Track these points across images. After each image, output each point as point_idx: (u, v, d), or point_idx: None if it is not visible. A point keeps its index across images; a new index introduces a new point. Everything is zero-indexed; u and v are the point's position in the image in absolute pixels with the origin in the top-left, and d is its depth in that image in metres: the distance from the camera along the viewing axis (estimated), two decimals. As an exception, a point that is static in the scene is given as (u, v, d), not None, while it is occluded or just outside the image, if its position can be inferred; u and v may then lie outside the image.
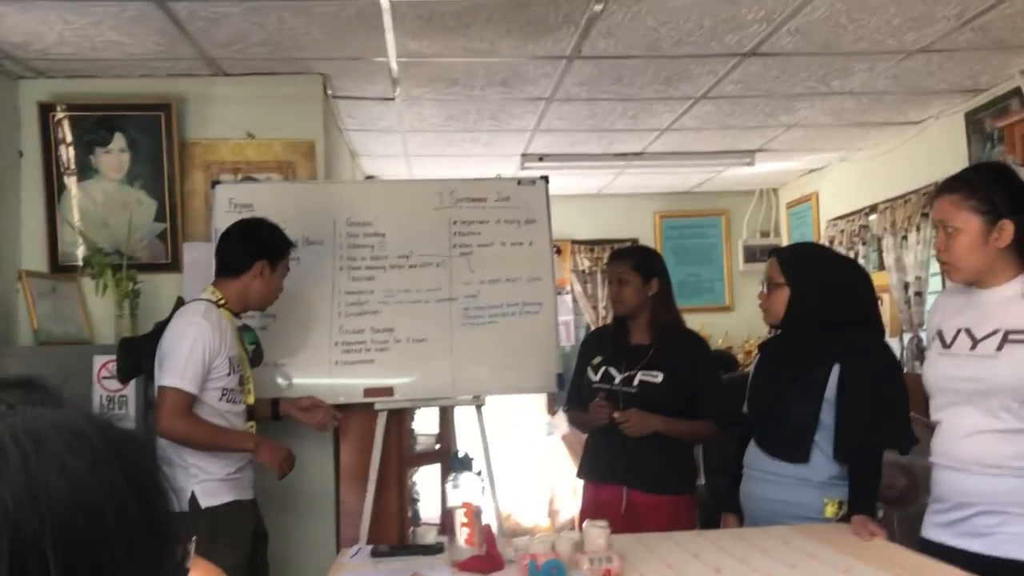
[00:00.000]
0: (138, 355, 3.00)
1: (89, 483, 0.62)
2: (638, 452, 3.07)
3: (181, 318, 2.87)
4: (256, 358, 3.11)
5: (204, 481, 2.79)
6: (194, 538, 0.71)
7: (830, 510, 2.51)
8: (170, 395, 2.75)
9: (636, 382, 3.13)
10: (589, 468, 3.28)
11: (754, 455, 2.71)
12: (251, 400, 3.02)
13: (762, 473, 2.66)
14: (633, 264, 3.25)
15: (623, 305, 3.26)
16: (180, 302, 3.20)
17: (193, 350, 2.76)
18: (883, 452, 2.58)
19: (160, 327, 2.96)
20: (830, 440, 2.55)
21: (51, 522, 0.59)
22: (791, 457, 2.59)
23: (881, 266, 5.66)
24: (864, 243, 5.91)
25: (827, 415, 2.54)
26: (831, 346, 2.58)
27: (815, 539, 2.34)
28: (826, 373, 2.55)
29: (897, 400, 2.53)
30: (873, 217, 5.77)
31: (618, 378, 3.17)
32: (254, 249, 2.96)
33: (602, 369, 3.23)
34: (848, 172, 6.19)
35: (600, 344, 3.37)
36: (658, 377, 3.12)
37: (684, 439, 3.15)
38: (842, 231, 6.11)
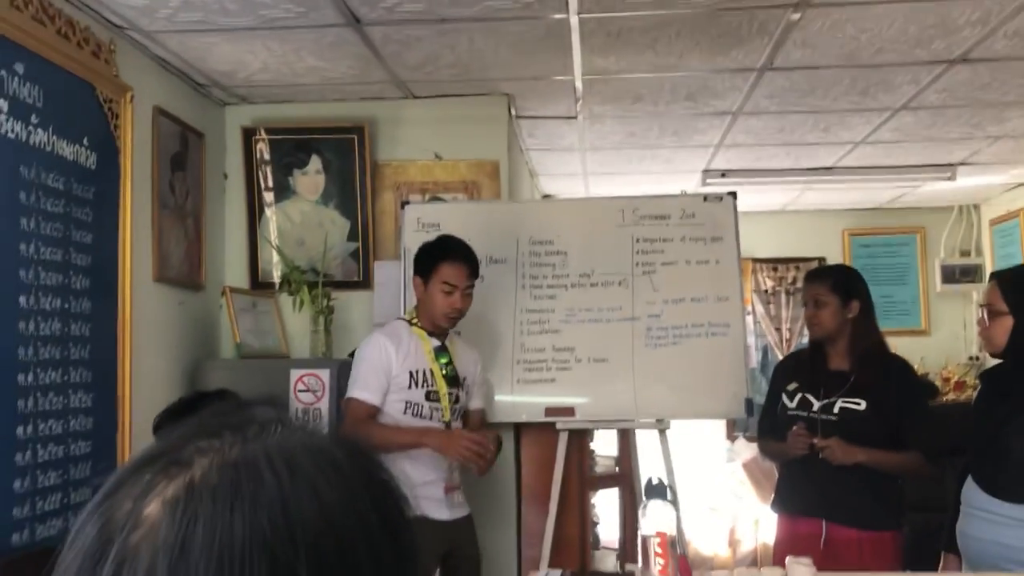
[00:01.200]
0: None
1: (341, 512, 0.60)
2: (839, 483, 2.89)
3: (373, 333, 3.10)
4: (450, 377, 3.10)
5: None
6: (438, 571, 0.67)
7: None
8: (351, 405, 2.93)
9: (837, 410, 2.95)
10: (784, 500, 3.12)
11: (972, 492, 2.50)
12: (447, 417, 3.05)
13: (980, 512, 2.45)
14: (832, 285, 3.06)
15: (820, 328, 3.08)
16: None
17: (368, 362, 2.94)
18: None
19: None
20: None
21: (305, 552, 0.57)
22: (1011, 496, 2.37)
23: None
24: (1082, 263, 5.41)
25: None
26: None
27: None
28: None
29: None
30: (1093, 234, 5.28)
31: (816, 405, 3.00)
32: (413, 266, 3.09)
33: (798, 396, 3.06)
34: (1063, 186, 5.70)
35: (796, 369, 3.19)
36: (861, 405, 2.93)
37: (889, 472, 2.95)
38: (1056, 250, 5.63)
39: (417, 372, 2.98)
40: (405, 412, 2.95)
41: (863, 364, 3.00)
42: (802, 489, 3.02)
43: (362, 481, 0.63)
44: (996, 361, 2.61)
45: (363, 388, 2.91)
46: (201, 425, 0.63)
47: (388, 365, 2.93)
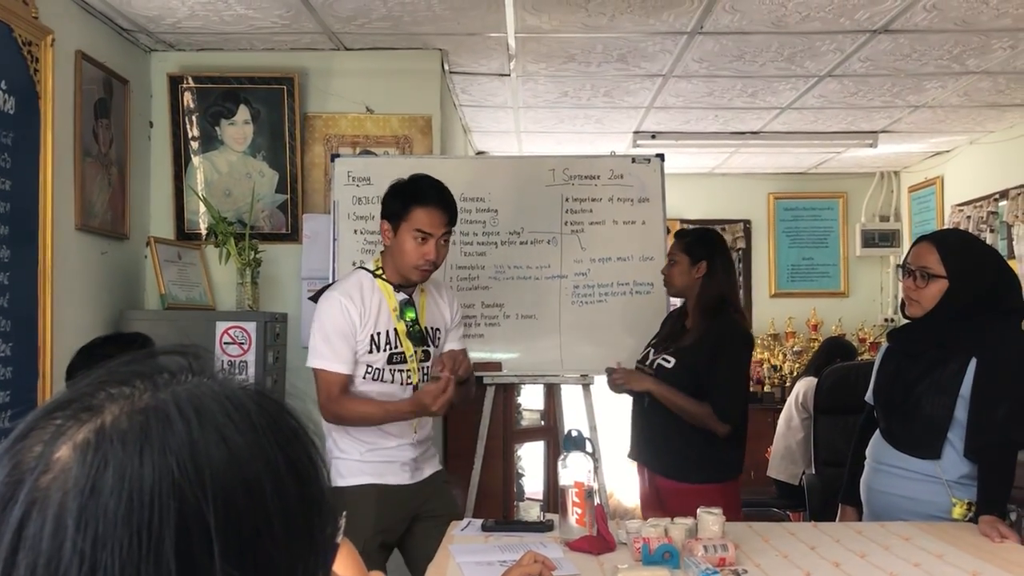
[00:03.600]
0: None
1: (248, 455, 0.62)
2: (658, 436, 3.08)
3: (327, 290, 2.72)
4: (414, 335, 2.70)
5: (338, 459, 2.67)
6: (344, 513, 0.71)
7: (958, 511, 2.40)
8: (321, 377, 2.61)
9: (655, 365, 3.13)
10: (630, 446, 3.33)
11: (880, 449, 2.59)
12: (415, 379, 2.71)
13: (889, 467, 2.54)
14: (684, 246, 3.18)
15: (669, 285, 3.25)
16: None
17: (333, 325, 2.60)
18: (1017, 451, 2.46)
19: None
20: (963, 438, 2.43)
21: (213, 493, 0.59)
22: (921, 452, 2.47)
23: (1010, 255, 5.39)
24: (992, 230, 5.63)
25: (961, 411, 2.42)
26: (968, 339, 2.44)
27: (939, 538, 2.24)
28: (963, 367, 2.42)
29: None
30: (1003, 203, 5.49)
31: (649, 360, 3.18)
32: (381, 208, 2.69)
33: (647, 351, 3.24)
34: (977, 155, 5.90)
35: (664, 325, 3.35)
36: (670, 362, 3.08)
37: (674, 410, 3.00)
38: (968, 217, 5.84)
39: (379, 335, 2.63)
40: (364, 377, 2.65)
41: (697, 322, 3.11)
42: (633, 437, 3.23)
43: (270, 428, 0.65)
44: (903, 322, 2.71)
45: (331, 358, 2.59)
46: (112, 372, 0.65)
47: (353, 329, 2.60)
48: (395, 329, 2.67)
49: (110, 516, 0.56)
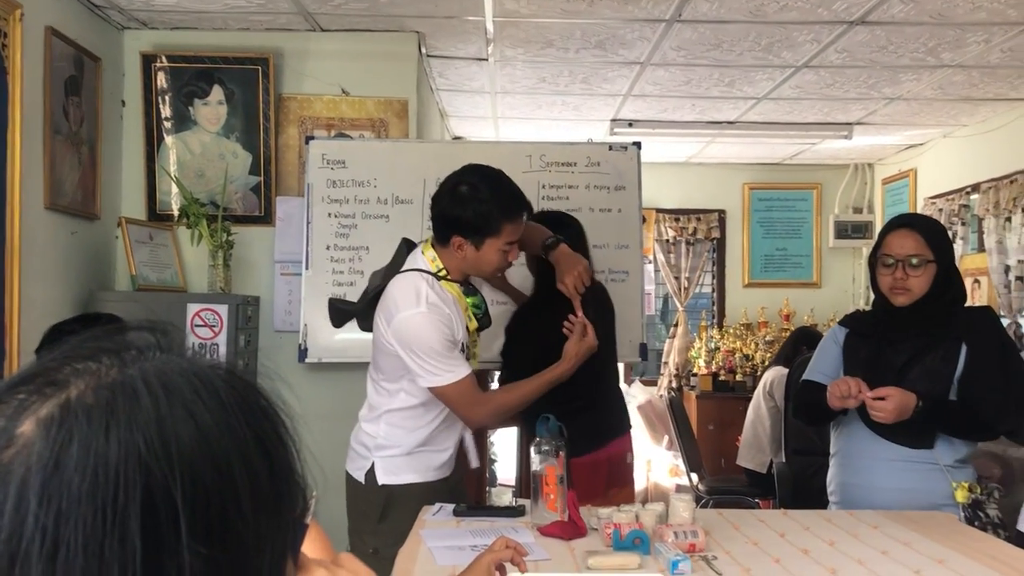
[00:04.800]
0: (347, 316, 2.76)
1: (216, 432, 0.61)
2: None
3: (408, 309, 2.43)
4: (484, 323, 2.62)
5: (385, 456, 2.54)
6: (315, 494, 0.70)
7: (961, 494, 2.36)
8: (452, 390, 2.44)
9: None
10: None
11: (866, 442, 2.50)
12: (475, 365, 2.61)
13: (877, 462, 2.48)
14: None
15: None
16: (407, 245, 2.66)
17: (438, 341, 2.41)
18: (985, 432, 2.50)
19: (378, 289, 2.59)
20: None
21: (180, 470, 0.58)
22: (915, 443, 2.42)
23: (981, 247, 5.46)
24: (964, 223, 5.70)
25: (953, 397, 2.42)
26: (954, 323, 2.45)
27: (907, 526, 2.27)
28: (951, 352, 2.42)
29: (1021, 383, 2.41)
30: (975, 197, 5.55)
31: None
32: (448, 222, 2.45)
33: None
34: (950, 149, 5.96)
35: None
36: None
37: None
38: (940, 210, 5.90)
39: (465, 339, 2.53)
40: None
41: None
42: None
43: (239, 405, 0.64)
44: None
45: (453, 368, 2.42)
46: (78, 347, 0.64)
47: (454, 332, 2.45)
48: (466, 327, 2.55)
49: (74, 492, 0.55)
